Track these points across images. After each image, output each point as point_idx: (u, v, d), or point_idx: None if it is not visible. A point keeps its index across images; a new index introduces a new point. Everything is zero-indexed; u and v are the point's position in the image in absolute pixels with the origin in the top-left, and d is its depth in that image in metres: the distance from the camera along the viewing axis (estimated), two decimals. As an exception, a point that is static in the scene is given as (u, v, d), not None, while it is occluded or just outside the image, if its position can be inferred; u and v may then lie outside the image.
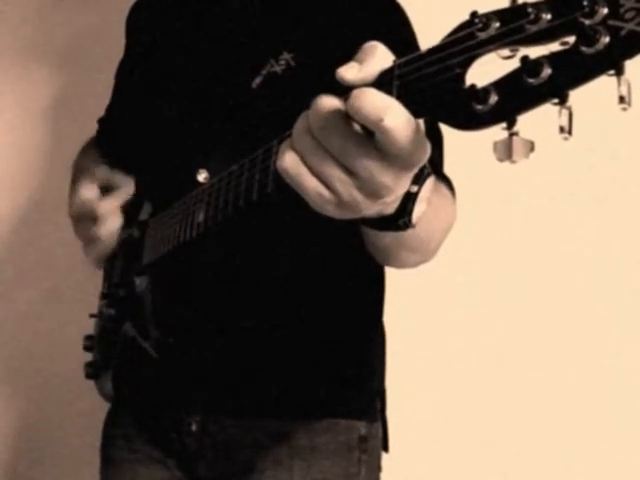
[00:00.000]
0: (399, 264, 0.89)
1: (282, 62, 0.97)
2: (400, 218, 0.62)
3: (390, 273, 1.10)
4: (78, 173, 1.19)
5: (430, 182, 0.62)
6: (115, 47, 1.26)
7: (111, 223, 1.07)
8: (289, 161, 0.56)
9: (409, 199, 0.61)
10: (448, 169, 0.93)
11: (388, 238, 0.71)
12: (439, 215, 0.78)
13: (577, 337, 1.47)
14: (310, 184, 0.56)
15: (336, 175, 0.54)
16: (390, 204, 0.59)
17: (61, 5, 1.62)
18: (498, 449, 1.47)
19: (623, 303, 1.46)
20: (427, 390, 1.49)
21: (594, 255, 1.47)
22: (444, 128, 0.86)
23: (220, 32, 1.06)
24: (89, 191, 1.08)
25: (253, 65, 0.98)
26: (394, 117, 0.50)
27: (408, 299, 1.39)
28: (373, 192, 0.55)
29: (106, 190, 1.09)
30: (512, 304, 1.48)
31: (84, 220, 1.09)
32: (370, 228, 0.66)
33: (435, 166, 0.67)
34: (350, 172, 0.54)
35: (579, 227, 1.47)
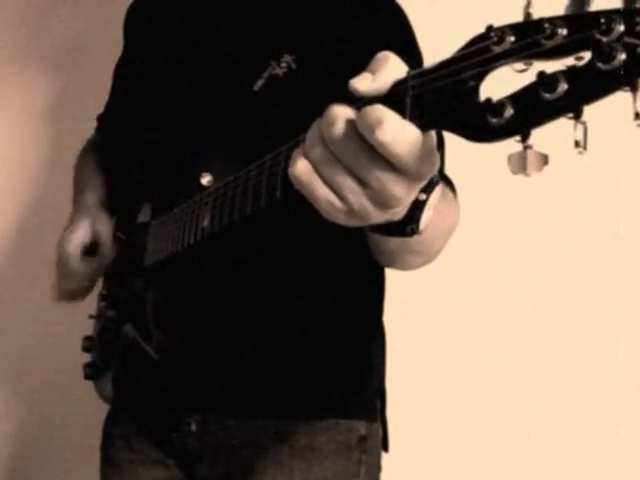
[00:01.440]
0: (403, 267, 0.90)
1: (283, 64, 0.97)
2: (407, 225, 0.62)
3: (390, 273, 1.10)
4: (79, 186, 1.23)
5: (438, 190, 0.63)
6: (113, 47, 1.25)
7: (84, 283, 1.14)
8: (301, 169, 0.56)
9: (417, 207, 0.61)
10: (449, 168, 0.93)
11: (393, 243, 0.72)
12: (444, 219, 0.78)
13: (578, 338, 1.47)
14: (321, 193, 0.56)
15: (348, 185, 0.55)
16: (399, 212, 0.60)
17: (59, 6, 1.62)
18: (498, 449, 1.48)
19: (624, 304, 1.47)
20: (427, 390, 1.49)
21: (599, 262, 1.47)
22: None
23: (221, 34, 1.05)
24: (78, 239, 1.12)
25: (254, 68, 0.98)
26: (385, 131, 0.50)
27: (408, 299, 1.40)
28: (384, 203, 0.55)
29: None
30: (512, 304, 1.48)
31: (62, 268, 1.14)
32: (377, 233, 0.67)
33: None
34: (362, 182, 0.54)
35: (587, 238, 1.47)
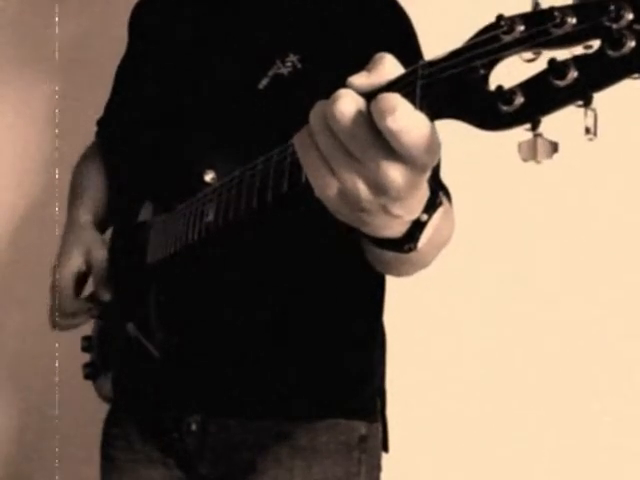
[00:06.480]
0: (398, 275, 0.89)
1: (288, 64, 0.97)
2: (406, 244, 0.61)
3: (390, 273, 1.10)
4: (74, 196, 1.24)
5: (440, 211, 0.61)
6: (116, 47, 1.26)
7: (74, 321, 1.18)
8: (302, 135, 0.56)
9: (417, 227, 0.60)
10: (449, 168, 0.94)
11: (389, 255, 0.70)
12: (442, 232, 0.77)
13: (578, 339, 1.48)
14: (315, 161, 0.55)
15: (342, 159, 0.53)
16: (398, 219, 0.57)
17: (61, 5, 1.62)
18: (498, 449, 1.48)
19: (625, 308, 1.48)
20: (427, 390, 1.49)
21: (602, 259, 1.48)
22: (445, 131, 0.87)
23: (227, 33, 1.06)
24: (71, 273, 1.15)
25: (260, 66, 0.98)
26: (397, 120, 0.49)
27: (408, 299, 1.40)
28: (376, 185, 0.53)
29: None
30: (512, 305, 1.49)
31: (56, 302, 1.17)
32: (374, 245, 0.64)
33: (434, 175, 0.66)
34: (357, 160, 0.53)
35: (588, 231, 1.48)
